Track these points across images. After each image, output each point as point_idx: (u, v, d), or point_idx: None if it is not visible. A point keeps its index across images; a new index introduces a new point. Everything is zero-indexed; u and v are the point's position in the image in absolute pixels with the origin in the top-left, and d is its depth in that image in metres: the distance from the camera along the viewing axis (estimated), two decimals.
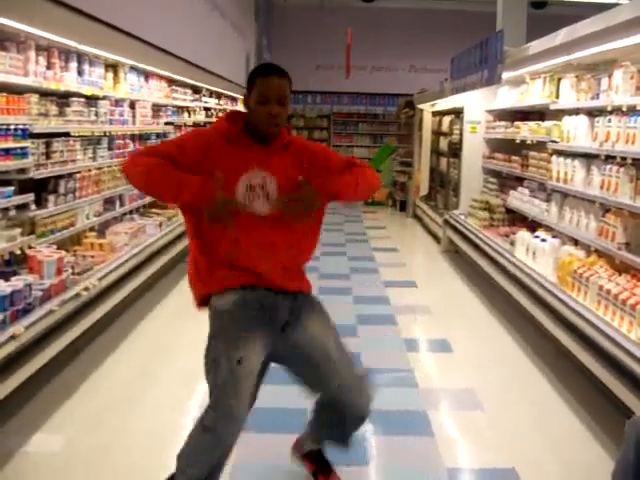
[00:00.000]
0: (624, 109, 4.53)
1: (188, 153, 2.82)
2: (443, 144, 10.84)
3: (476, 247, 7.44)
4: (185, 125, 9.39)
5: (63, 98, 5.20)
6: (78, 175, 5.40)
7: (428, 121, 12.38)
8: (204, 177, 2.69)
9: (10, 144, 4.24)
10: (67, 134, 5.24)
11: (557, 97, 6.00)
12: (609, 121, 4.72)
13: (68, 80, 5.17)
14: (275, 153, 2.92)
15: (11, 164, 4.27)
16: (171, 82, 8.52)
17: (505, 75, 7.03)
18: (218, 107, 11.85)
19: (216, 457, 2.91)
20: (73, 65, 5.33)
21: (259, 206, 2.86)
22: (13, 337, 3.70)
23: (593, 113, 5.20)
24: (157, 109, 7.81)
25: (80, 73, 5.47)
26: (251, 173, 2.85)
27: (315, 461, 3.39)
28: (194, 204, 2.71)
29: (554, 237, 5.68)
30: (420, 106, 12.89)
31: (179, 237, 7.63)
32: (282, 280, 2.95)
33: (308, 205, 2.76)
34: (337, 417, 3.13)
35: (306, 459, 3.41)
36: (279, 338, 2.97)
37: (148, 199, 7.30)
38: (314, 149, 3.09)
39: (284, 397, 3.79)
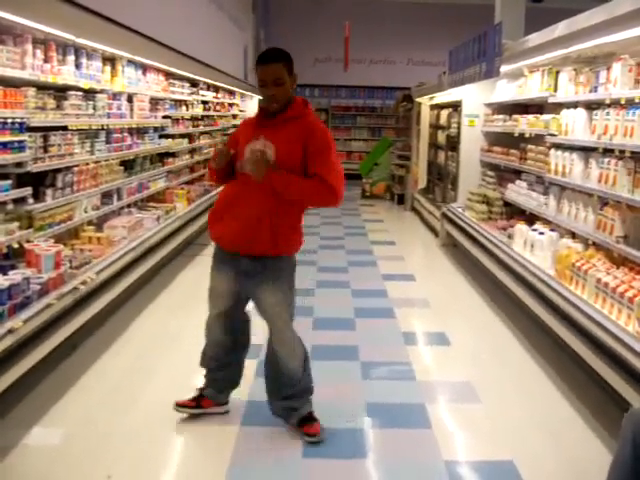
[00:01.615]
0: (622, 102, 4.53)
1: (231, 144, 3.72)
2: (441, 137, 10.83)
3: (474, 240, 7.44)
4: (183, 118, 9.37)
5: (60, 91, 5.18)
6: (76, 169, 5.39)
7: (426, 114, 12.36)
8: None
9: (7, 138, 4.23)
10: (65, 128, 5.22)
11: (555, 90, 6.00)
12: (607, 114, 4.72)
13: (65, 73, 5.16)
14: (279, 125, 3.53)
15: (8, 158, 4.26)
16: (169, 75, 8.50)
17: (503, 68, 7.02)
18: (216, 100, 11.83)
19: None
20: (70, 58, 5.31)
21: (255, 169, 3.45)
22: (11, 331, 3.69)
23: (591, 106, 5.19)
24: (155, 102, 7.79)
25: (78, 66, 5.46)
26: (255, 142, 3.50)
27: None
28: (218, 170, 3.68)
29: (552, 230, 5.68)
30: (418, 99, 12.87)
31: (177, 231, 7.63)
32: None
33: (254, 172, 3.42)
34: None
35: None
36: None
37: (146, 193, 7.29)
38: (314, 135, 3.53)
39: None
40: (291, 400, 3.76)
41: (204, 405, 3.96)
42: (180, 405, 3.93)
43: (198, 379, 4.56)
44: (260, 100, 3.70)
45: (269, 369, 3.85)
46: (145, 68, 7.43)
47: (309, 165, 3.49)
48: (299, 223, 3.71)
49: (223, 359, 3.95)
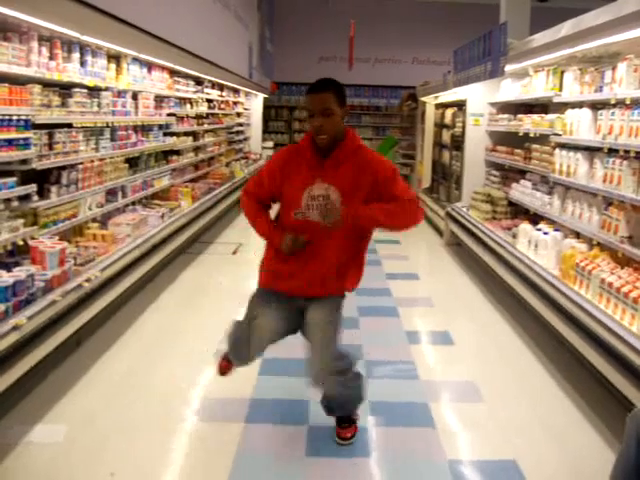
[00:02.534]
0: (627, 102, 4.53)
1: (273, 177, 3.40)
2: (446, 137, 10.82)
3: (478, 240, 7.43)
4: (187, 116, 9.38)
5: (65, 89, 5.20)
6: (80, 166, 5.40)
7: (431, 113, 12.35)
8: (273, 235, 3.41)
9: (13, 135, 4.24)
10: (69, 125, 5.24)
11: (560, 90, 6.00)
12: (612, 114, 4.71)
13: (71, 71, 5.17)
14: (336, 163, 3.31)
15: (14, 155, 4.27)
16: (173, 73, 8.51)
17: (508, 68, 7.02)
18: (220, 98, 11.84)
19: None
20: (76, 56, 5.32)
21: (318, 215, 3.28)
22: (16, 327, 3.70)
23: (596, 106, 5.19)
24: (159, 100, 7.80)
25: (83, 64, 5.46)
26: (314, 185, 3.29)
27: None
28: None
29: (556, 230, 5.67)
30: (423, 98, 12.86)
31: (181, 229, 7.64)
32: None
33: (330, 220, 3.22)
34: None
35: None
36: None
37: (150, 190, 7.30)
38: (377, 168, 3.34)
39: (286, 389, 3.80)
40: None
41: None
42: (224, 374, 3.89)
43: (202, 376, 4.57)
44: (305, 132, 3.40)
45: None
46: (150, 66, 7.43)
47: (385, 195, 3.30)
48: (364, 260, 3.60)
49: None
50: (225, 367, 3.88)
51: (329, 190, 3.28)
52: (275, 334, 3.53)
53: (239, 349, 3.65)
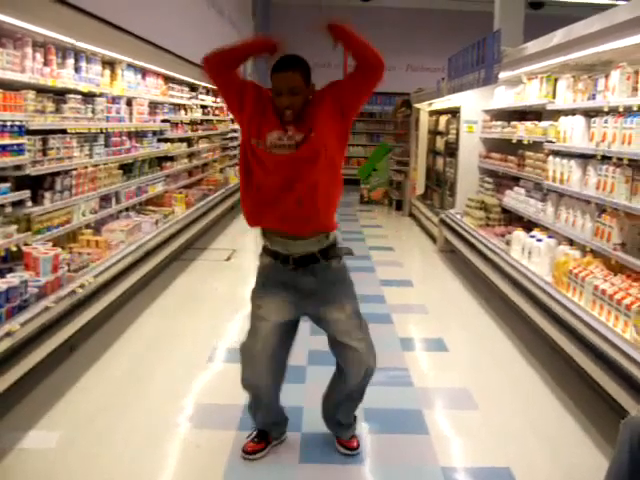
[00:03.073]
0: (620, 110, 4.55)
1: (246, 90, 3.28)
2: (440, 143, 10.85)
3: (472, 246, 7.44)
4: (182, 122, 9.38)
5: (60, 95, 5.20)
6: (74, 172, 5.40)
7: (425, 120, 12.37)
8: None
9: (6, 140, 4.24)
10: (63, 131, 5.24)
11: (554, 97, 6.02)
12: (605, 122, 4.73)
13: (65, 77, 5.17)
14: (303, 116, 3.20)
15: (7, 161, 4.27)
16: (168, 79, 8.52)
17: (502, 75, 7.04)
18: (215, 105, 11.84)
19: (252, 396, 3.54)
20: (70, 62, 5.33)
21: (283, 150, 3.17)
22: (9, 334, 3.69)
23: (590, 113, 5.21)
24: (154, 106, 7.80)
25: (77, 70, 5.47)
26: (281, 131, 3.17)
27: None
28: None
29: (550, 237, 5.69)
30: (417, 105, 12.88)
31: (175, 235, 7.63)
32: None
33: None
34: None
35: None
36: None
37: (144, 196, 7.29)
38: (330, 85, 3.31)
39: (284, 395, 3.78)
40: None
41: (270, 440, 3.71)
42: (250, 452, 3.61)
43: (196, 382, 4.57)
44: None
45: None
46: (144, 72, 7.44)
47: (348, 83, 3.28)
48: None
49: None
50: (253, 447, 3.64)
51: (294, 137, 3.17)
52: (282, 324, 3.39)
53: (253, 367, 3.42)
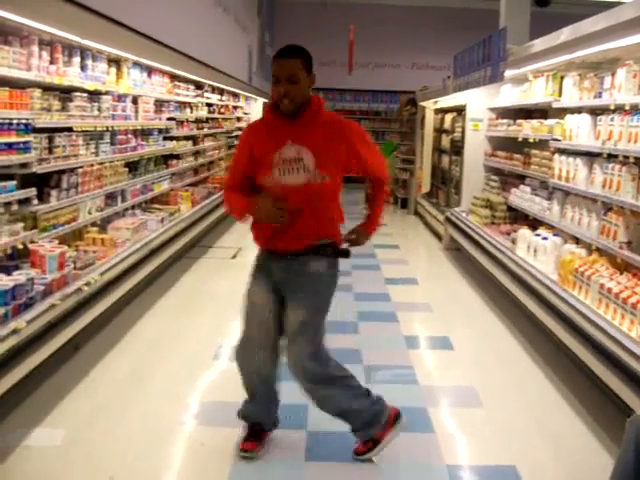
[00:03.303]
0: (627, 108, 4.54)
1: (243, 155, 3.38)
2: (445, 142, 10.84)
3: (477, 245, 7.44)
4: (187, 121, 9.39)
5: (66, 93, 5.20)
6: (80, 170, 5.40)
7: (430, 118, 12.36)
8: (249, 201, 3.30)
9: (13, 138, 4.24)
10: (70, 129, 5.24)
11: (560, 95, 6.01)
12: (612, 120, 4.72)
13: (71, 75, 5.18)
14: (305, 126, 3.27)
15: (14, 158, 4.27)
16: (173, 78, 8.52)
17: (508, 73, 7.03)
18: (220, 103, 11.84)
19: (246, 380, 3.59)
20: (76, 60, 5.33)
21: (295, 178, 3.22)
22: (15, 331, 3.70)
23: (596, 112, 5.20)
24: (159, 104, 7.80)
25: (83, 68, 5.47)
26: (285, 148, 3.23)
27: None
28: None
29: (555, 235, 5.68)
30: (422, 103, 12.88)
31: (181, 233, 7.64)
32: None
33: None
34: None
35: None
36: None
37: (150, 194, 7.30)
38: (349, 127, 3.40)
39: (285, 393, 3.78)
40: None
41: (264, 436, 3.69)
42: (247, 450, 3.58)
43: (201, 380, 4.57)
44: (268, 101, 3.49)
45: None
46: (150, 70, 7.44)
47: (361, 169, 3.44)
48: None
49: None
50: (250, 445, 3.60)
51: (301, 152, 3.22)
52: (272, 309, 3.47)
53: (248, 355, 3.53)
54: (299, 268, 3.38)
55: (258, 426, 3.64)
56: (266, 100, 16.19)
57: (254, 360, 3.50)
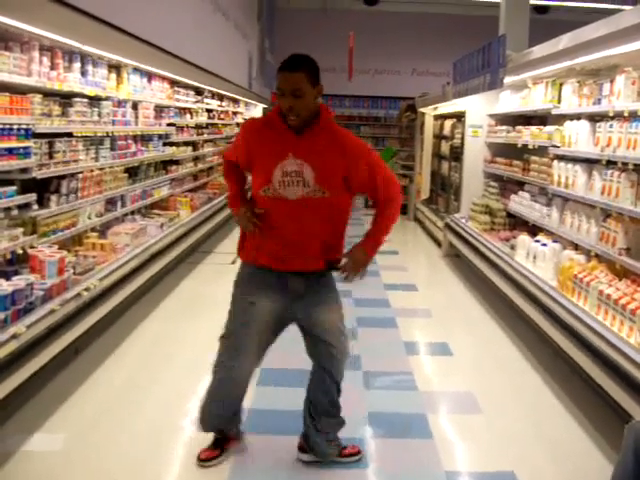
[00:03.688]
0: (626, 114, 4.55)
1: (240, 152, 3.37)
2: (445, 148, 10.85)
3: (477, 251, 7.44)
4: (187, 126, 9.40)
5: (66, 98, 5.21)
6: (80, 175, 5.41)
7: (430, 125, 12.39)
8: (238, 207, 3.36)
9: (13, 144, 4.25)
10: (70, 134, 5.25)
11: (559, 102, 6.02)
12: (611, 126, 4.73)
13: (71, 80, 5.19)
14: (309, 140, 3.20)
15: (14, 164, 4.28)
16: (173, 83, 8.54)
17: (507, 80, 7.04)
18: (220, 109, 11.86)
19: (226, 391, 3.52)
20: (76, 66, 5.34)
21: (293, 191, 3.19)
22: (14, 336, 3.70)
23: (595, 118, 5.21)
24: (159, 110, 7.82)
25: (83, 74, 5.48)
26: (286, 161, 3.18)
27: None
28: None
29: (555, 242, 5.69)
30: (422, 110, 12.90)
31: (180, 238, 7.64)
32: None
33: (363, 267, 3.49)
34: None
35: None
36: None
37: (150, 200, 7.31)
38: (356, 144, 3.33)
39: (283, 399, 3.79)
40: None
41: (227, 447, 3.68)
42: (204, 460, 3.57)
43: (200, 385, 4.57)
44: (268, 106, 3.45)
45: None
46: (150, 76, 7.46)
47: (369, 190, 3.37)
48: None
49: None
50: (207, 454, 3.60)
51: (302, 166, 3.17)
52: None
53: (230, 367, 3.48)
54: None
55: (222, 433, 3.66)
56: (266, 106, 16.24)
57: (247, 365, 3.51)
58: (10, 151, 4.21)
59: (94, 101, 5.70)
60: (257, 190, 3.28)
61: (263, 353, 3.55)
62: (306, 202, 3.21)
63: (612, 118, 4.76)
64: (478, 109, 8.75)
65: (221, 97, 11.97)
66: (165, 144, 8.04)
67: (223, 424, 3.62)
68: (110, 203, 6.18)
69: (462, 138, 9.08)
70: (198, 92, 10.06)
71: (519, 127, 7.38)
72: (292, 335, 3.61)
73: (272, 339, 3.53)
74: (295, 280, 3.34)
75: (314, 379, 3.59)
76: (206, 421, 3.60)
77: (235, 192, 3.49)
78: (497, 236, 7.20)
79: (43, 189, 4.87)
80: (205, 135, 10.61)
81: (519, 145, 7.15)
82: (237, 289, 3.52)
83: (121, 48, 5.81)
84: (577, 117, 5.51)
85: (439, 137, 11.54)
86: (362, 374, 4.84)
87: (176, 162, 8.66)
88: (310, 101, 3.16)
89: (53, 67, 4.94)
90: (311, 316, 3.41)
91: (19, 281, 4.05)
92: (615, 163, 4.68)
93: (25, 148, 4.39)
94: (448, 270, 8.69)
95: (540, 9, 15.71)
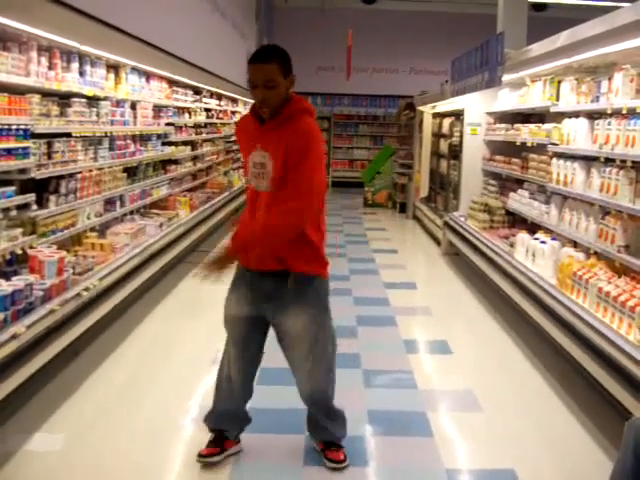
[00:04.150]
0: (624, 112, 4.55)
1: (241, 149, 3.42)
2: (443, 146, 10.85)
3: (476, 249, 7.45)
4: (186, 126, 9.40)
5: (65, 98, 5.21)
6: (79, 175, 5.41)
7: (428, 123, 12.38)
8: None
9: (12, 144, 4.24)
10: (68, 134, 5.25)
11: (557, 100, 6.02)
12: (609, 124, 4.73)
13: (70, 81, 5.18)
14: (269, 131, 3.19)
15: (13, 164, 4.28)
16: (172, 83, 8.53)
17: (505, 77, 7.04)
18: (218, 108, 11.86)
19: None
20: (75, 66, 5.34)
21: (261, 183, 3.21)
22: (14, 336, 3.70)
23: (593, 116, 5.21)
24: (158, 110, 7.82)
25: (82, 74, 5.48)
26: (254, 153, 3.22)
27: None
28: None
29: (554, 239, 5.69)
30: (420, 108, 12.90)
31: (180, 238, 7.64)
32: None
33: (221, 266, 3.14)
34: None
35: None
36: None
37: (149, 200, 7.31)
38: (296, 135, 3.15)
39: (284, 398, 3.80)
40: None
41: (227, 446, 3.63)
42: (206, 455, 3.55)
43: (200, 384, 4.57)
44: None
45: None
46: (149, 75, 7.46)
47: (292, 169, 3.14)
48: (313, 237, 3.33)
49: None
50: (209, 450, 3.58)
51: (265, 158, 3.17)
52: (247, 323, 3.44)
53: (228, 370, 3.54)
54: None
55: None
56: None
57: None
58: (9, 151, 4.21)
59: (92, 101, 5.70)
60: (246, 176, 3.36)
61: (252, 355, 3.55)
62: (272, 195, 3.18)
63: (610, 115, 4.76)
64: (476, 107, 8.75)
65: (219, 96, 11.97)
66: (164, 144, 8.04)
67: (224, 424, 3.62)
68: (109, 203, 6.18)
69: (461, 136, 9.08)
70: (196, 92, 10.06)
71: (517, 125, 7.38)
72: None
73: (255, 339, 3.51)
74: (263, 280, 3.31)
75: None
76: (210, 419, 3.64)
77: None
78: (496, 234, 7.20)
79: (42, 189, 4.88)
80: (204, 134, 10.61)
81: (518, 143, 7.16)
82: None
83: (120, 48, 5.81)
84: (575, 115, 5.51)
85: (438, 135, 11.54)
86: (362, 372, 4.84)
87: (175, 162, 8.66)
88: (282, 92, 3.14)
89: (51, 67, 4.94)
90: (278, 320, 3.37)
91: (18, 281, 4.05)
92: (613, 160, 4.68)
93: (24, 148, 4.38)
94: (447, 268, 8.69)
95: (538, 6, 15.70)
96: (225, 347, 3.56)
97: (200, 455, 3.54)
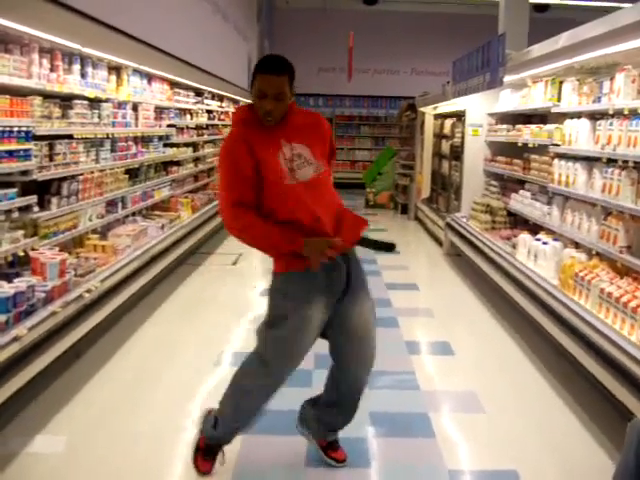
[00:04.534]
0: (626, 112, 4.55)
1: (244, 161, 3.08)
2: (445, 147, 10.85)
3: (478, 250, 7.44)
4: (187, 127, 9.41)
5: (66, 100, 5.22)
6: (81, 177, 5.42)
7: (430, 124, 12.38)
8: (298, 242, 3.09)
9: (13, 146, 4.25)
10: (70, 136, 5.26)
11: (559, 100, 6.02)
12: (611, 124, 4.73)
13: (71, 82, 5.19)
14: (288, 125, 3.19)
15: (14, 166, 4.29)
16: (174, 85, 8.54)
17: (507, 78, 7.04)
18: (220, 109, 11.87)
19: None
20: (76, 67, 5.35)
21: (307, 171, 3.17)
22: (16, 338, 3.71)
23: (595, 116, 5.21)
24: (159, 111, 7.82)
25: (83, 76, 5.49)
26: (283, 149, 3.15)
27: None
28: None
29: (555, 240, 5.68)
30: (422, 109, 12.90)
31: (181, 239, 7.64)
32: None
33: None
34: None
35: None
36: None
37: (150, 201, 7.31)
38: (324, 125, 3.40)
39: (286, 399, 3.78)
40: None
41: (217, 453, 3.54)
42: (207, 472, 3.47)
43: (202, 386, 4.57)
44: (254, 107, 3.17)
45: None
46: (150, 77, 7.46)
47: (330, 151, 3.48)
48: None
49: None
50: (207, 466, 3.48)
51: (296, 149, 3.16)
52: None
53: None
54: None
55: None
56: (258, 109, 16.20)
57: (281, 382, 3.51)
58: (10, 153, 4.22)
59: (94, 103, 5.71)
60: (274, 187, 3.11)
61: None
62: (317, 182, 3.21)
63: (612, 116, 4.76)
64: (478, 108, 8.74)
65: (221, 98, 11.98)
66: (165, 145, 8.04)
67: (232, 435, 3.51)
68: (111, 205, 6.19)
69: (462, 137, 9.07)
70: (198, 93, 10.07)
71: (519, 126, 7.37)
72: None
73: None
74: (338, 264, 3.36)
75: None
76: (226, 435, 3.48)
77: (277, 230, 3.13)
78: (498, 235, 7.20)
79: (44, 191, 4.88)
80: (205, 136, 10.62)
81: (519, 144, 7.15)
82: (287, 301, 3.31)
83: (121, 50, 5.82)
84: (577, 115, 5.51)
85: (439, 136, 11.53)
86: None
87: (177, 163, 8.67)
88: (287, 103, 3.15)
89: (53, 69, 4.95)
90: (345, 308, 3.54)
91: (20, 283, 4.05)
92: (615, 161, 4.68)
93: (25, 150, 4.39)
94: (449, 269, 8.69)
95: (540, 7, 15.70)
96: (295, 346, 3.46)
97: (201, 472, 3.46)
